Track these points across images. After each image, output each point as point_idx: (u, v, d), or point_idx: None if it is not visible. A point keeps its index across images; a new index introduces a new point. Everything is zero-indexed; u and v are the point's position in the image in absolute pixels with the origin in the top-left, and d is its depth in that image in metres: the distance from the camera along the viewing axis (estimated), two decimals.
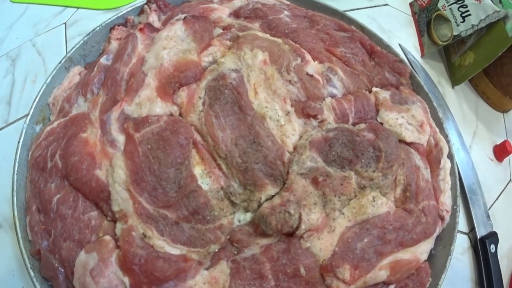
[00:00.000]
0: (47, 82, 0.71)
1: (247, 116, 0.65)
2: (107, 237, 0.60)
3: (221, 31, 0.75)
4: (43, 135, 0.68)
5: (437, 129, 0.72)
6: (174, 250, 0.59)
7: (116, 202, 0.61)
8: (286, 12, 0.78)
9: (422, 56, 0.92)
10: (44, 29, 0.88)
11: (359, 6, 0.93)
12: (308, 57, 0.72)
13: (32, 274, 0.61)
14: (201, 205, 0.60)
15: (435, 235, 0.66)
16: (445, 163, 0.70)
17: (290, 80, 0.69)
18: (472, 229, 0.75)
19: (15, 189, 0.65)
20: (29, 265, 0.61)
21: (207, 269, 0.60)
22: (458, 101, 0.87)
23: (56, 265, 0.61)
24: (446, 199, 0.68)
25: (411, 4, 0.98)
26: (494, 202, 0.79)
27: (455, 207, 0.68)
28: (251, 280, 0.58)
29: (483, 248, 0.72)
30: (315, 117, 0.68)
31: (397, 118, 0.69)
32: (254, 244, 0.61)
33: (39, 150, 0.67)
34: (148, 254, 0.58)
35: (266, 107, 0.67)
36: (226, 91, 0.66)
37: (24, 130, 0.68)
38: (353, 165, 0.64)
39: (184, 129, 0.64)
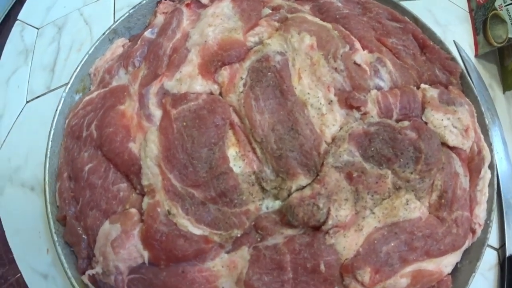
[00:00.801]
0: (90, 52, 0.70)
1: (288, 102, 0.61)
2: (133, 210, 0.58)
3: (270, 11, 0.70)
4: (81, 105, 0.67)
5: (481, 136, 0.66)
6: (197, 230, 0.56)
7: (146, 176, 0.59)
8: None
9: (476, 55, 0.84)
10: None
11: None
12: (357, 45, 0.67)
13: (56, 238, 0.60)
14: (230, 187, 0.57)
15: (463, 248, 0.60)
16: (485, 173, 0.64)
17: (336, 68, 0.64)
18: (502, 245, 0.67)
19: (48, 155, 0.64)
20: (53, 230, 0.61)
21: (228, 252, 0.57)
22: (508, 108, 0.79)
23: (80, 232, 0.60)
24: (481, 212, 0.62)
25: (468, 0, 0.90)
26: None
27: (488, 221, 0.62)
28: (269, 270, 0.55)
29: (510, 267, 0.65)
30: (358, 109, 0.62)
31: (442, 119, 0.63)
32: (278, 233, 0.57)
33: (76, 118, 0.66)
34: (170, 231, 0.55)
35: (309, 93, 0.62)
36: (269, 73, 0.63)
37: (62, 98, 0.67)
38: (391, 164, 0.59)
39: (222, 109, 0.61)
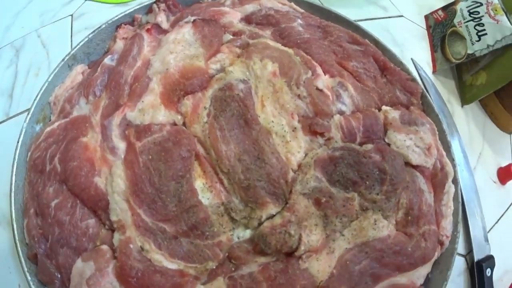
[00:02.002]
0: (49, 80, 0.65)
1: (252, 131, 0.61)
2: (105, 247, 0.56)
3: (231, 37, 0.68)
4: (42, 136, 0.63)
5: (444, 153, 0.67)
6: (172, 264, 0.55)
7: (114, 212, 0.57)
8: (299, 21, 0.72)
9: (434, 72, 0.86)
10: (50, 19, 0.82)
11: (374, 16, 0.86)
12: (319, 70, 0.66)
13: (29, 278, 0.57)
14: (200, 220, 0.56)
15: (433, 260, 0.62)
16: (449, 188, 0.66)
17: (299, 95, 0.64)
18: (469, 251, 0.71)
19: (13, 190, 0.60)
20: (25, 269, 0.58)
21: (203, 283, 0.56)
22: (466, 120, 0.82)
23: (53, 270, 0.57)
24: (447, 224, 0.64)
25: (426, 17, 0.91)
26: (494, 225, 0.75)
27: (455, 232, 0.64)
28: None
29: (479, 272, 0.68)
30: (322, 134, 0.63)
31: (405, 140, 0.64)
32: (252, 262, 0.58)
33: (38, 151, 0.62)
34: (145, 267, 0.54)
35: (273, 121, 0.62)
36: (233, 103, 0.61)
37: (24, 130, 0.63)
38: (357, 187, 0.60)
39: (187, 141, 0.59)
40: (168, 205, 0.57)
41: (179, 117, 0.62)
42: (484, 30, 0.75)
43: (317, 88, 0.65)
